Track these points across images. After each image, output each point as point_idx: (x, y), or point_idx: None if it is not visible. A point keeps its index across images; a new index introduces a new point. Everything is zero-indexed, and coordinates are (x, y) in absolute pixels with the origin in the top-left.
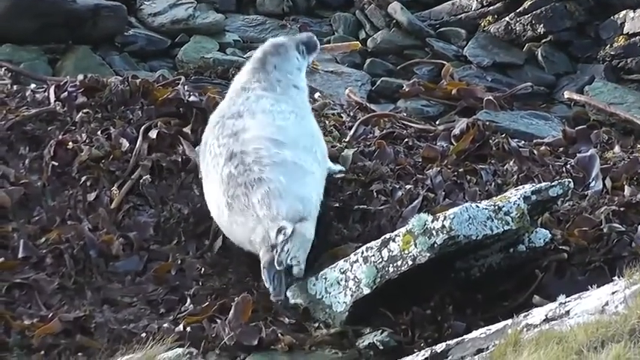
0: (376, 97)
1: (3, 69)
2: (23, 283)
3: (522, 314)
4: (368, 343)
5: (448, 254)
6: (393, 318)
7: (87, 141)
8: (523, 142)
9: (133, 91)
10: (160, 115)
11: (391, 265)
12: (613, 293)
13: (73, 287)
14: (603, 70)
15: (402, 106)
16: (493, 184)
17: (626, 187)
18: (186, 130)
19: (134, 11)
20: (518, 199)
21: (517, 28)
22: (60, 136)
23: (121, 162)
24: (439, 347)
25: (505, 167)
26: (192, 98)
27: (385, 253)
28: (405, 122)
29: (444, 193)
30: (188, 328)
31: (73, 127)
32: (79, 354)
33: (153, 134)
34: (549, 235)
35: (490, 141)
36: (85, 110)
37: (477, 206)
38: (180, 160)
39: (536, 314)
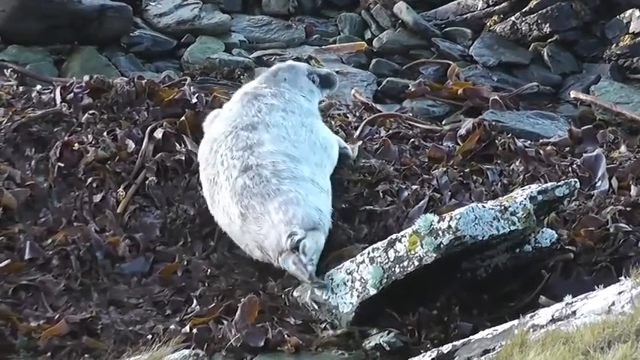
0: (382, 97)
1: (9, 70)
2: (29, 284)
3: (529, 315)
4: (374, 344)
5: (454, 254)
6: (400, 319)
7: (93, 142)
8: (529, 142)
9: (139, 91)
10: (165, 116)
11: (397, 265)
12: (619, 293)
13: (79, 289)
14: (609, 69)
15: (407, 106)
16: (499, 184)
17: (632, 186)
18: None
19: (140, 12)
20: (525, 199)
21: (523, 28)
22: (66, 138)
23: (127, 163)
24: (445, 348)
25: (511, 167)
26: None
27: (391, 253)
28: (411, 122)
29: (450, 193)
30: (194, 330)
31: (79, 129)
32: (86, 355)
33: (159, 135)
34: (555, 235)
35: (496, 141)
36: (90, 111)
37: (483, 206)
38: (184, 159)
39: (543, 315)
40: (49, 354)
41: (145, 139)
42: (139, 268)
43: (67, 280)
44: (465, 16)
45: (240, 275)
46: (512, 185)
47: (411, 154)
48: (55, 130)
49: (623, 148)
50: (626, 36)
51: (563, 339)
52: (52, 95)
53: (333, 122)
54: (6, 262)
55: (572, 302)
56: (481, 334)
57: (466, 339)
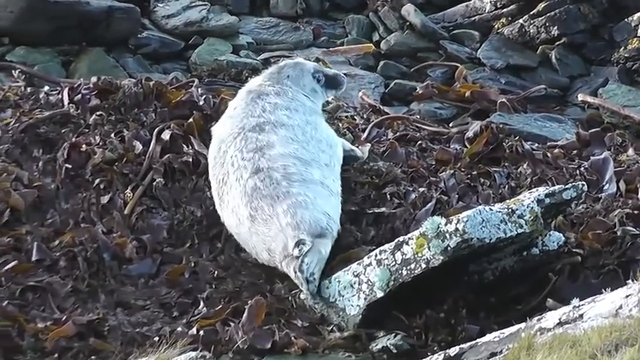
0: (389, 100)
1: (17, 71)
2: (37, 286)
3: (536, 318)
4: (381, 347)
5: (461, 257)
6: (407, 321)
7: (100, 143)
8: (537, 144)
9: (147, 93)
10: (173, 118)
11: (405, 268)
12: (627, 297)
13: (86, 290)
14: (617, 72)
15: (415, 109)
16: (507, 186)
17: None
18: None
19: (148, 13)
20: (532, 202)
21: (531, 31)
22: (73, 139)
23: (134, 165)
24: (453, 351)
25: (519, 170)
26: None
27: (399, 256)
28: (419, 125)
29: (457, 195)
30: (201, 332)
31: (87, 130)
32: (93, 357)
33: (166, 136)
34: (563, 239)
35: (504, 144)
36: (98, 113)
37: (491, 209)
38: (191, 161)
39: (550, 318)
40: (56, 355)
41: (153, 141)
42: (146, 269)
43: (74, 281)
44: (472, 18)
45: (247, 277)
46: (519, 188)
47: (418, 157)
48: (63, 131)
49: (630, 151)
50: (634, 39)
51: (571, 342)
52: (60, 96)
53: (340, 124)
54: (13, 263)
55: (580, 305)
56: (488, 337)
57: (473, 342)
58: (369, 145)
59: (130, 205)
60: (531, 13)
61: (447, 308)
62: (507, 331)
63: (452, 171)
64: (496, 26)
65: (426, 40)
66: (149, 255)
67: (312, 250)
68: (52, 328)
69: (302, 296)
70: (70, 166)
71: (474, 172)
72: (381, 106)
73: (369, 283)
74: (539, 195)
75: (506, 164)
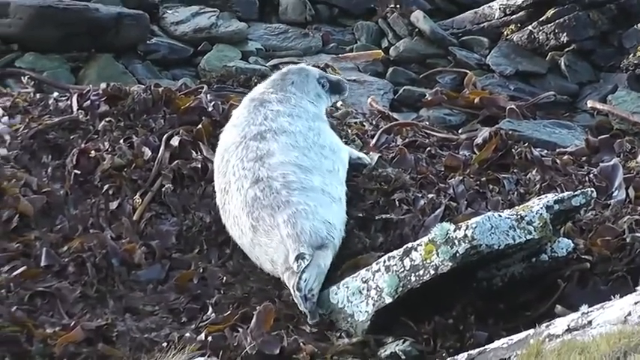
0: (398, 106)
1: (26, 77)
2: (45, 291)
3: (544, 324)
4: (390, 353)
5: (470, 263)
6: (415, 327)
7: (109, 149)
8: (546, 151)
9: (156, 99)
10: (182, 124)
11: (413, 274)
12: (636, 303)
13: (95, 296)
14: (626, 78)
15: (424, 115)
16: (516, 193)
17: None
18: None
19: (157, 20)
20: (541, 208)
21: (540, 37)
22: (82, 145)
23: (143, 171)
24: (461, 357)
25: (528, 176)
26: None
27: (407, 262)
28: (428, 131)
29: (466, 202)
30: (210, 337)
31: (96, 136)
32: None
33: (175, 143)
34: (572, 245)
35: (513, 150)
36: (107, 119)
37: (500, 215)
38: (200, 167)
39: (559, 324)
40: None
41: (162, 147)
42: (155, 275)
43: (82, 287)
44: (482, 25)
45: (255, 283)
46: (528, 194)
47: (427, 163)
48: (72, 137)
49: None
50: None
51: (579, 349)
52: (69, 102)
53: (349, 130)
54: (22, 268)
55: (588, 312)
56: (497, 344)
57: (482, 348)
58: (379, 153)
59: (139, 210)
60: (540, 19)
61: (455, 314)
62: (516, 337)
63: (461, 177)
64: (505, 33)
65: (435, 46)
66: (158, 261)
67: (311, 265)
68: (61, 333)
69: (309, 322)
70: (79, 172)
71: (483, 179)
72: (390, 113)
73: (378, 289)
74: (548, 201)
75: (515, 170)
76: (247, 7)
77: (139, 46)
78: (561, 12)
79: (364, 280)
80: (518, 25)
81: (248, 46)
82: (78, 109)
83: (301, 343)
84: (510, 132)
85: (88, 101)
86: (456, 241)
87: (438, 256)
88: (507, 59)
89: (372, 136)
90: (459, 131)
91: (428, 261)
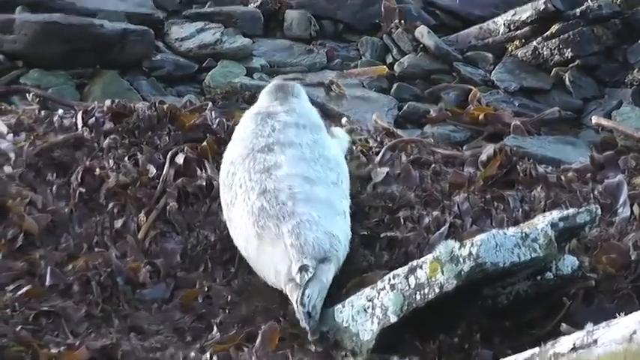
0: (403, 122)
1: (31, 94)
2: (50, 310)
3: (550, 342)
4: None
5: (475, 281)
6: (421, 346)
7: (114, 167)
8: (550, 167)
9: (161, 116)
10: (187, 141)
11: (418, 292)
12: None
13: (100, 315)
14: (631, 94)
15: (429, 132)
16: (520, 210)
17: None
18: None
19: (162, 36)
20: (546, 225)
21: (544, 53)
22: (87, 163)
23: (148, 188)
24: None
25: (532, 193)
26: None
27: (412, 280)
28: (432, 148)
29: (471, 219)
30: (215, 357)
31: (100, 153)
32: None
33: (180, 160)
34: (577, 263)
35: (517, 167)
36: (112, 136)
37: (505, 233)
38: (205, 184)
39: (564, 342)
40: None
41: (167, 165)
42: (160, 294)
43: (87, 306)
44: (486, 40)
45: (260, 302)
46: (533, 212)
47: (432, 180)
48: (77, 154)
49: None
50: None
51: None
52: (74, 120)
53: (354, 147)
54: (27, 287)
55: (594, 330)
56: None
57: None
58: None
59: (144, 229)
60: (545, 35)
61: (460, 333)
62: (521, 356)
63: (466, 194)
64: (510, 48)
65: (440, 62)
66: (162, 279)
67: (314, 280)
68: (66, 353)
69: (310, 338)
70: (83, 190)
71: (488, 196)
72: (395, 129)
73: (383, 307)
74: (553, 219)
75: (520, 188)
76: (252, 23)
77: (143, 62)
78: (566, 27)
79: (369, 298)
80: (523, 40)
81: (253, 62)
82: (83, 127)
83: None
84: (515, 148)
85: (93, 118)
86: (461, 259)
87: (443, 274)
88: (512, 75)
89: (377, 153)
90: (464, 148)
91: (433, 279)
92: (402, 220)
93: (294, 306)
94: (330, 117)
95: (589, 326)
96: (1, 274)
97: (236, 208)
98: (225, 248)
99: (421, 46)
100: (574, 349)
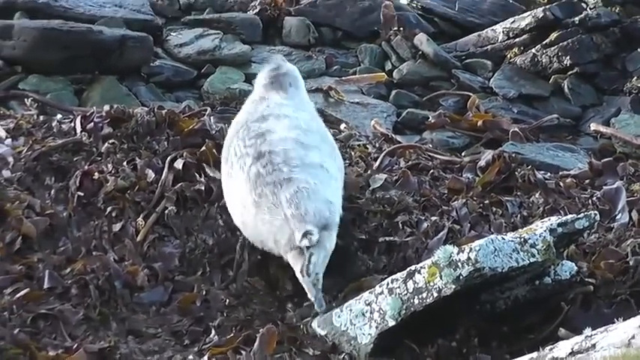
0: (402, 129)
1: (29, 99)
2: (48, 313)
3: (548, 347)
4: None
5: (474, 286)
6: (418, 350)
7: (113, 172)
8: (549, 174)
9: (159, 121)
10: (185, 146)
11: (416, 297)
12: (639, 326)
13: (98, 318)
14: (630, 102)
15: (427, 138)
16: (519, 216)
17: None
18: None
19: (160, 42)
20: (544, 231)
21: (543, 60)
22: (86, 167)
23: (146, 193)
24: None
25: (531, 199)
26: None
27: (410, 284)
28: (431, 154)
29: (469, 224)
30: None
31: (99, 158)
32: None
33: (179, 165)
34: (575, 268)
35: (516, 173)
36: (110, 141)
37: (503, 238)
38: (204, 189)
39: (562, 347)
40: None
41: (165, 169)
42: (158, 297)
43: (85, 309)
44: (485, 48)
45: (258, 305)
46: (531, 217)
47: (430, 186)
48: (75, 159)
49: None
50: None
51: None
52: (73, 125)
53: (352, 153)
54: (25, 291)
55: (592, 335)
56: None
57: None
58: (385, 175)
59: (142, 233)
60: (544, 42)
61: (459, 337)
62: None
63: (464, 200)
64: (508, 56)
65: (439, 69)
66: (161, 283)
67: (318, 247)
68: (64, 356)
69: (313, 325)
70: (82, 194)
71: (486, 201)
72: (394, 135)
73: (381, 311)
74: (551, 224)
75: (518, 193)
76: (251, 29)
77: (142, 68)
78: (564, 35)
79: (367, 302)
80: (522, 48)
81: (252, 69)
82: (81, 131)
83: None
84: (513, 155)
85: (92, 123)
86: (459, 264)
87: (441, 278)
88: (510, 82)
89: (376, 159)
90: (462, 154)
91: (431, 284)
92: (400, 225)
93: (298, 275)
94: (329, 123)
95: (587, 331)
96: None
97: (233, 178)
98: (223, 252)
99: (420, 53)
100: (572, 353)
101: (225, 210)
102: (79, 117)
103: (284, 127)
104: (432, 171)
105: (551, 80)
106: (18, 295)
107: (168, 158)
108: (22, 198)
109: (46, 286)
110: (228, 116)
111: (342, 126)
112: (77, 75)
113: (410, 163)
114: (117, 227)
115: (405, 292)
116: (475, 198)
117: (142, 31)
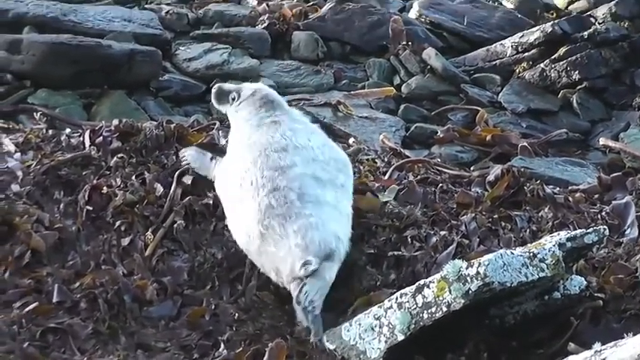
0: (410, 143)
1: (38, 114)
2: (57, 327)
3: None
4: None
5: (483, 301)
6: None
7: (121, 186)
8: (558, 188)
9: (168, 136)
10: None
11: (425, 311)
12: None
13: (107, 332)
14: (638, 116)
15: (436, 152)
16: (528, 230)
17: None
18: None
19: (169, 56)
20: (553, 246)
21: (552, 75)
22: (94, 181)
23: (155, 207)
24: None
25: (540, 214)
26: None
27: (419, 299)
28: (440, 168)
29: (478, 239)
30: None
31: (108, 172)
32: None
33: (187, 179)
34: (584, 283)
35: (525, 187)
36: (119, 155)
37: (512, 253)
38: (212, 203)
39: None
40: None
41: (174, 183)
42: (167, 311)
43: (94, 323)
44: (494, 62)
45: (267, 319)
46: (540, 232)
47: (439, 200)
48: (84, 173)
49: None
50: None
51: None
52: (81, 139)
53: (361, 167)
54: (34, 305)
55: (601, 350)
56: None
57: None
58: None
59: (151, 247)
60: (552, 57)
61: (468, 352)
62: None
63: (473, 214)
64: (517, 70)
65: (447, 83)
66: (170, 297)
67: (316, 277)
68: None
69: (312, 339)
70: (91, 208)
71: (495, 216)
72: (402, 150)
73: (390, 326)
74: (560, 239)
75: (527, 208)
76: (259, 44)
77: (151, 82)
78: (573, 50)
79: (376, 317)
80: (530, 62)
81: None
82: (90, 146)
83: None
84: (522, 169)
85: (101, 138)
86: (468, 279)
87: (450, 293)
88: (519, 97)
89: (384, 173)
90: (471, 168)
91: (440, 298)
92: (409, 240)
93: (295, 299)
94: (338, 137)
95: (597, 346)
96: (8, 291)
97: (242, 205)
98: (232, 266)
99: (428, 67)
100: None
101: None
102: (88, 131)
103: (302, 161)
104: (440, 185)
105: (559, 95)
106: (27, 309)
107: (177, 172)
108: (31, 212)
109: (55, 300)
110: None
111: (351, 140)
112: (86, 89)
113: (419, 177)
114: (126, 241)
115: (415, 306)
116: (484, 212)
117: (151, 46)
